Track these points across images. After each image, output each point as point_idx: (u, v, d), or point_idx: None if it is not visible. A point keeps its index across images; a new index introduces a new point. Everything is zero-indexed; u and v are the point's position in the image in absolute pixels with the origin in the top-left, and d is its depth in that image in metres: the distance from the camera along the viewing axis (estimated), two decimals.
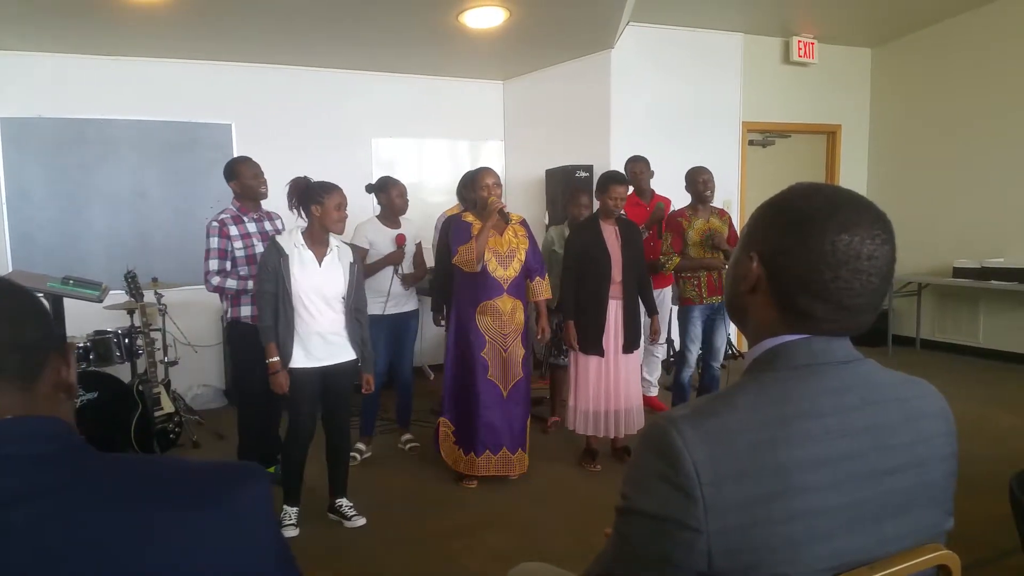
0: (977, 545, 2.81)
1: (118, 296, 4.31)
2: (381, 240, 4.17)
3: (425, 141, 6.64)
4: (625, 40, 5.95)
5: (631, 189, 4.41)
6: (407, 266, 4.25)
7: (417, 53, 5.82)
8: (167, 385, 4.43)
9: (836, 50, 7.05)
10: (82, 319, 4.37)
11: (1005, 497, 2.29)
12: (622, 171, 4.54)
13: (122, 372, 4.34)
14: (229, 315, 3.75)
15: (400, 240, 4.18)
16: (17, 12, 4.45)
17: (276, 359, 3.16)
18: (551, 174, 6.15)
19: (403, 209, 4.28)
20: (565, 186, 5.61)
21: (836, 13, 6.23)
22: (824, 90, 7.07)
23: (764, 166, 6.99)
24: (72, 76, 5.36)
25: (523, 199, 6.58)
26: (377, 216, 4.29)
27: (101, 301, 3.86)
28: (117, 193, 5.53)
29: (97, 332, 4.31)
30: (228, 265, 3.67)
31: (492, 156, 6.93)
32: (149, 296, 4.26)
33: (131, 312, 4.32)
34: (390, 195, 4.22)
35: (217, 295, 3.80)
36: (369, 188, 4.34)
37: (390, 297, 4.14)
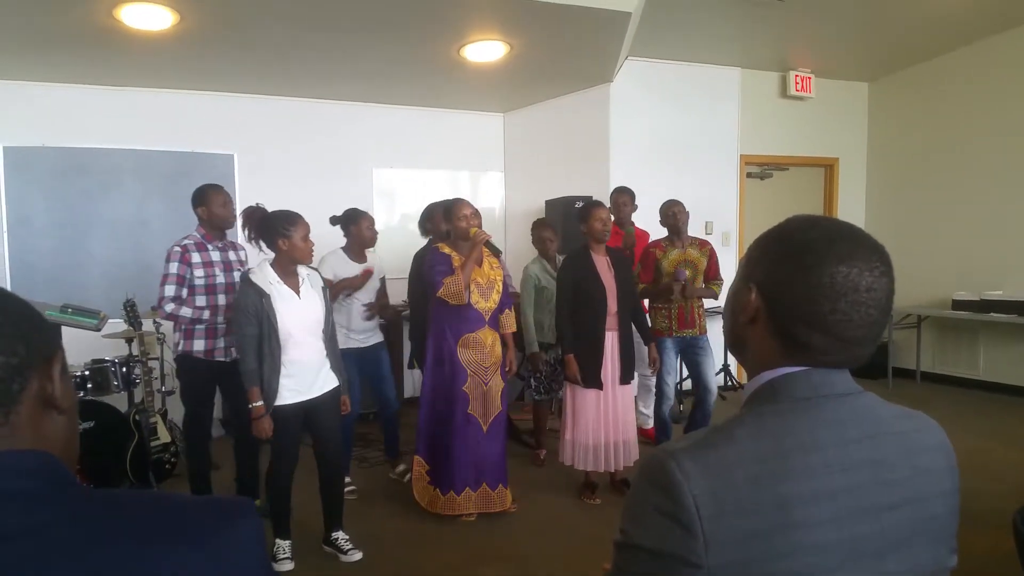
0: None
1: (117, 324, 4.30)
2: (346, 274, 4.07)
3: (425, 172, 6.66)
4: (624, 74, 6.03)
5: (612, 218, 4.38)
6: (366, 297, 4.15)
7: (418, 85, 5.89)
8: (164, 415, 4.39)
9: (833, 84, 7.14)
10: (80, 347, 4.35)
11: (1007, 532, 2.26)
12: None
13: (119, 401, 4.31)
14: (181, 348, 3.60)
15: (366, 274, 4.09)
16: (22, 42, 4.52)
17: (260, 404, 3.05)
18: (551, 205, 6.17)
19: (372, 242, 4.19)
20: (565, 217, 5.63)
21: (833, 48, 6.32)
22: (822, 123, 7.15)
23: (762, 198, 7.04)
24: (75, 106, 5.42)
25: (523, 229, 6.59)
26: (342, 248, 4.17)
27: (99, 330, 3.83)
28: (118, 222, 5.56)
29: (95, 361, 4.30)
30: (184, 293, 3.55)
31: (492, 187, 6.98)
32: (148, 325, 4.25)
33: (129, 341, 4.30)
34: (360, 227, 4.13)
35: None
36: (334, 220, 4.20)
37: (353, 330, 4.07)
